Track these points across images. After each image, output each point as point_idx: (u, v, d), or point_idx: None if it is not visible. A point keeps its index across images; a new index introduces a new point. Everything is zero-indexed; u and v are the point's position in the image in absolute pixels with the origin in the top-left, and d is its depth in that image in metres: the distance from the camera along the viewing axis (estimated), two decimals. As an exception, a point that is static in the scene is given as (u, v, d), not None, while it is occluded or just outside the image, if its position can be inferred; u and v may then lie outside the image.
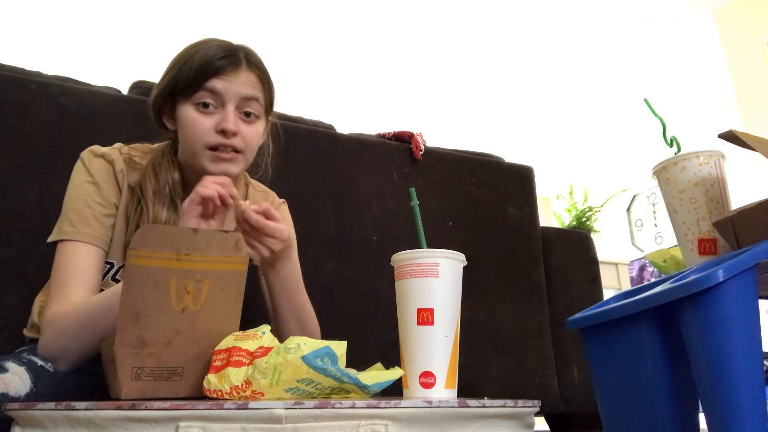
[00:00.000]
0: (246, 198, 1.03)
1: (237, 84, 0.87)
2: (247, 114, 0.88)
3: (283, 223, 0.83)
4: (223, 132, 0.85)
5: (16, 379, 0.66)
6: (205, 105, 0.86)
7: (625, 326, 0.66)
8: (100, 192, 0.86)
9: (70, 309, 0.77)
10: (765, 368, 0.56)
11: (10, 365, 0.68)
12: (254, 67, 0.91)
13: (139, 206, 0.87)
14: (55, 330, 0.76)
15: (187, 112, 0.86)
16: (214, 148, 0.86)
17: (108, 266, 0.89)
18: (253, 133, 0.89)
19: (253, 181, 1.06)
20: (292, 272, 0.90)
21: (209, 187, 0.79)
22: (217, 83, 0.85)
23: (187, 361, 0.69)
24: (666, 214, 0.79)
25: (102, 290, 0.89)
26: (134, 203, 0.88)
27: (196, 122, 0.85)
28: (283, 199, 1.08)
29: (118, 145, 0.93)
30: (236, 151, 0.87)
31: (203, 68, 0.85)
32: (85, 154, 0.89)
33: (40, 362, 0.72)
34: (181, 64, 0.88)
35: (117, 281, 0.89)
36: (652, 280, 0.78)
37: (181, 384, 0.68)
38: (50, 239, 0.84)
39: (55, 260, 0.83)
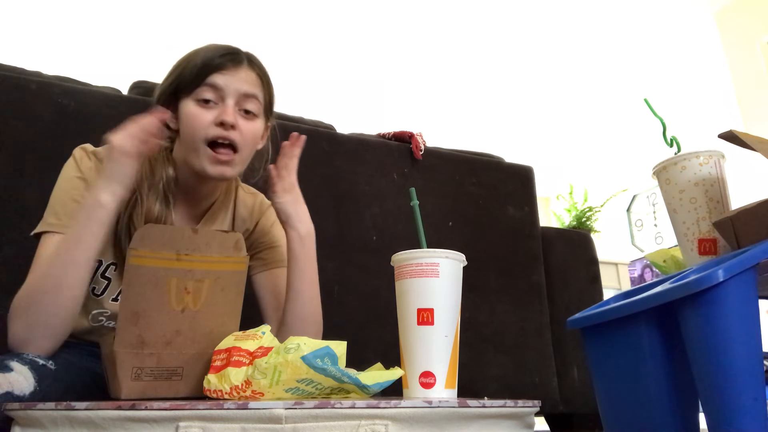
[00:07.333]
0: (235, 201, 1.02)
1: (237, 80, 0.89)
2: (247, 111, 0.90)
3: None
4: (222, 124, 0.86)
5: (21, 378, 0.66)
6: (206, 101, 0.87)
7: (625, 326, 0.66)
8: (89, 188, 0.84)
9: (26, 284, 0.76)
10: (765, 368, 0.56)
11: (15, 364, 0.67)
12: (255, 67, 0.93)
13: (132, 198, 0.87)
14: (17, 309, 0.75)
15: (189, 107, 0.88)
16: (213, 145, 0.87)
17: (97, 264, 0.87)
18: (251, 130, 0.90)
19: (243, 185, 1.06)
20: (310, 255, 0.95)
21: (128, 138, 0.78)
22: (218, 78, 0.88)
23: (187, 361, 0.69)
24: (666, 214, 0.79)
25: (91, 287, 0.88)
26: (126, 197, 0.87)
27: (196, 116, 0.87)
28: (270, 202, 1.05)
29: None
30: (234, 149, 0.88)
31: (206, 65, 0.88)
32: (77, 151, 0.89)
33: (41, 361, 0.72)
34: (185, 63, 0.90)
35: (106, 279, 0.89)
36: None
37: (181, 384, 0.68)
38: (34, 232, 0.83)
39: (36, 252, 0.81)
